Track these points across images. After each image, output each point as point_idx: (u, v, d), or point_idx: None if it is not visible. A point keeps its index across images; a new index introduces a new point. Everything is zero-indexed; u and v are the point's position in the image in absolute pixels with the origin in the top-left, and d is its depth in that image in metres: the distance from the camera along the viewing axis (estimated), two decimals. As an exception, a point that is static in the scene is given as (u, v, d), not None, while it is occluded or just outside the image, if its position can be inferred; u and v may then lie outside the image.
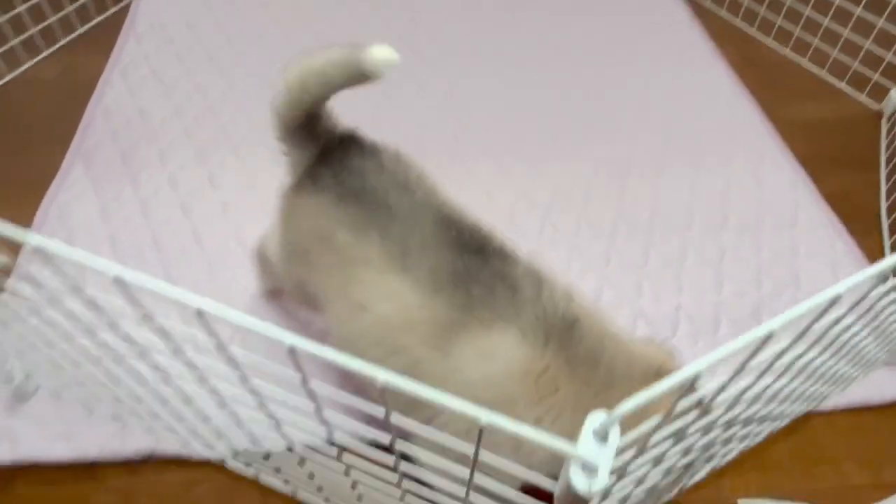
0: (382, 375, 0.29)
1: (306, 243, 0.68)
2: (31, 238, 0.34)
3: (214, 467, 0.76)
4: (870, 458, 0.81)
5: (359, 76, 0.62)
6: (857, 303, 0.42)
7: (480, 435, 0.29)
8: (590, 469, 0.27)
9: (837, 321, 0.42)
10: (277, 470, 0.65)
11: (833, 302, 0.33)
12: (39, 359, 0.70)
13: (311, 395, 0.37)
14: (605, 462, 0.28)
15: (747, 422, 0.52)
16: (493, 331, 0.56)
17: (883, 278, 0.35)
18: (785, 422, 0.83)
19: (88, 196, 1.05)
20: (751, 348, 0.32)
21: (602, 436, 0.28)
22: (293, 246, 0.72)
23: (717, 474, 0.78)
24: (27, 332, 0.62)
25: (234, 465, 0.75)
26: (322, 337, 0.68)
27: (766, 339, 0.31)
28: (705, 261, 1.02)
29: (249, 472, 0.75)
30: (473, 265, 0.60)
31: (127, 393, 0.65)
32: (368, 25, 1.47)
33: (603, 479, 0.27)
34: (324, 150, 0.70)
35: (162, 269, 0.95)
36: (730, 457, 0.77)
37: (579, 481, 0.27)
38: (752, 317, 0.95)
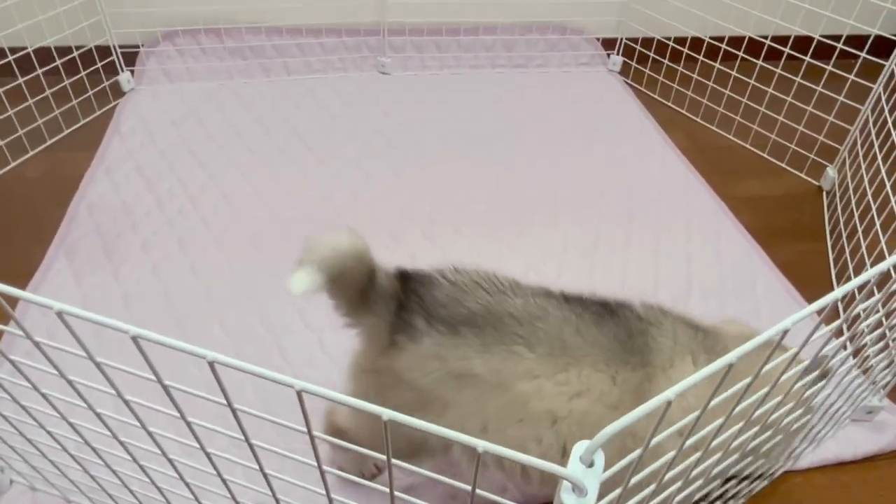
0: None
1: (434, 392, 0.64)
2: (55, 304, 0.36)
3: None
4: (849, 515, 0.83)
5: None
6: (818, 353, 0.46)
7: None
8: (580, 490, 0.30)
9: (807, 371, 0.46)
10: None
11: (784, 334, 0.37)
12: (14, 452, 0.69)
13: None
14: (593, 483, 0.30)
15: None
16: (676, 368, 0.63)
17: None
18: (764, 483, 0.84)
19: (70, 288, 1.07)
20: (717, 377, 0.36)
21: (588, 461, 0.31)
22: (410, 404, 0.66)
23: (705, 537, 0.79)
24: (2, 423, 0.62)
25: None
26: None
27: (729, 370, 0.35)
28: (674, 328, 1.07)
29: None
30: (616, 322, 0.65)
31: (105, 482, 0.64)
32: (344, 119, 1.56)
33: (592, 500, 0.30)
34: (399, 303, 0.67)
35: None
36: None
37: (570, 501, 0.30)
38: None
